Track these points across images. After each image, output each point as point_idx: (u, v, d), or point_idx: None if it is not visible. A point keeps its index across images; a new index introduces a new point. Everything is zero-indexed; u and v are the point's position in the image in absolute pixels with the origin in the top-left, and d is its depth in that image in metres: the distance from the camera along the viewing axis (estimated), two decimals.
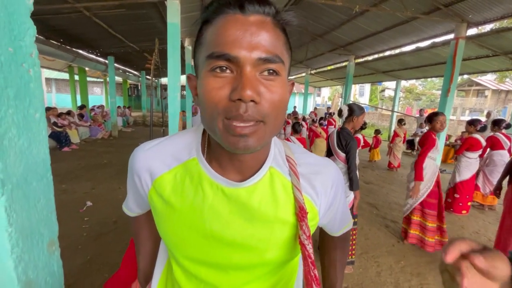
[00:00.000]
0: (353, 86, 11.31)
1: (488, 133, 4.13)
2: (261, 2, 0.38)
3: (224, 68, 0.37)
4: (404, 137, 7.21)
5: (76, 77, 11.78)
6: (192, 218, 0.47)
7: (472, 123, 3.93)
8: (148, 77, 17.61)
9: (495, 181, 3.84)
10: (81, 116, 8.91)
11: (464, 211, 3.84)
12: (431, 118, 2.68)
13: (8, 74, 0.69)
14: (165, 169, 0.49)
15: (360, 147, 3.99)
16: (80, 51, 9.01)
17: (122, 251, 2.51)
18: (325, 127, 8.10)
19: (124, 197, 0.65)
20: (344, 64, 10.94)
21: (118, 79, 14.87)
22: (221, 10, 0.38)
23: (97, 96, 20.77)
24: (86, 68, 10.76)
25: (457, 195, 3.84)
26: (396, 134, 6.81)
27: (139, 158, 0.51)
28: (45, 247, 0.84)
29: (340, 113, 2.35)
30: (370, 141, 7.21)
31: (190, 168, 0.48)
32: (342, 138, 2.22)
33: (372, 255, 2.64)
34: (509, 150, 4.06)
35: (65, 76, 15.16)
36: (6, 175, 0.69)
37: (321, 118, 7.74)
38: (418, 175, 2.63)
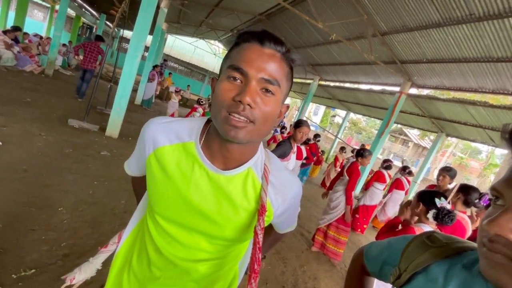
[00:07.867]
0: (310, 104, 12.11)
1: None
2: (276, 42, 0.52)
3: (236, 78, 0.50)
4: (342, 162, 8.09)
5: None
6: (179, 184, 0.59)
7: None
8: (108, 22, 15.64)
9: (389, 211, 5.02)
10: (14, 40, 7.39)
11: (359, 230, 4.61)
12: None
13: None
14: (167, 143, 0.61)
15: (304, 160, 4.38)
16: None
17: (27, 203, 2.23)
18: (283, 134, 8.55)
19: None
20: (308, 81, 11.62)
21: (71, 12, 12.81)
22: (248, 39, 0.52)
23: (36, 22, 17.48)
24: None
25: (357, 215, 4.61)
26: (337, 159, 7.62)
27: (151, 128, 0.62)
28: None
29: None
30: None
31: (187, 149, 0.60)
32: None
33: (282, 257, 2.92)
34: (406, 192, 5.07)
35: None
36: None
37: (282, 127, 8.26)
38: (348, 200, 3.04)
